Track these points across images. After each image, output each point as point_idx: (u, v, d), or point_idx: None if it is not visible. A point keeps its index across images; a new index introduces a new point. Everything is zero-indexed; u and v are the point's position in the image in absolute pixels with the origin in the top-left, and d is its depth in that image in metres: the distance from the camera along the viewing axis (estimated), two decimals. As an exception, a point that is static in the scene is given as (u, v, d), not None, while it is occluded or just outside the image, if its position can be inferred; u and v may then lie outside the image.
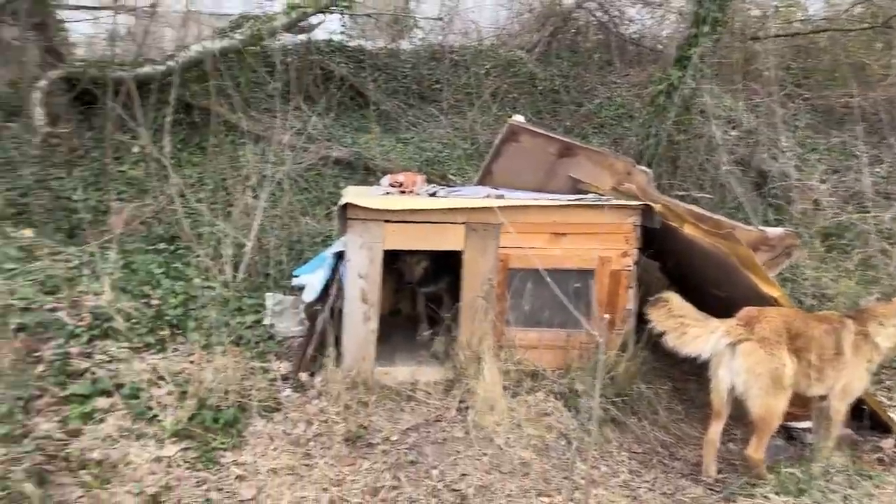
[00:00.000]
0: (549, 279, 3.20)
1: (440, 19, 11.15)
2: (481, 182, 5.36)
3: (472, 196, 4.46)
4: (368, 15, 10.62)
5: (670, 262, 4.99)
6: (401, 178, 4.61)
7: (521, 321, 4.25)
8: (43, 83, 7.51)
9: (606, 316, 3.51)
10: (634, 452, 3.88)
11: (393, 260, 4.33)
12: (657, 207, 4.16)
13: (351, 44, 10.57)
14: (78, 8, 9.92)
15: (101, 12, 9.64)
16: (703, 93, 7.29)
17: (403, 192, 4.48)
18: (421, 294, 4.77)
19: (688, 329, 3.54)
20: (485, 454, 3.59)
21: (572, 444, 3.72)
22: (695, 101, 7.14)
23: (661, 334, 3.62)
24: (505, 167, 5.17)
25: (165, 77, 7.45)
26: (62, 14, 9.19)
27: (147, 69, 7.72)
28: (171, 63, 7.69)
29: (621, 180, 4.59)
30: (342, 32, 10.63)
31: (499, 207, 4.04)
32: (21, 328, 3.74)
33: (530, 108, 9.61)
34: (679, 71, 6.78)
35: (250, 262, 4.93)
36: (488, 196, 4.45)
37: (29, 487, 2.76)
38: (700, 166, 7.36)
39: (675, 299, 3.64)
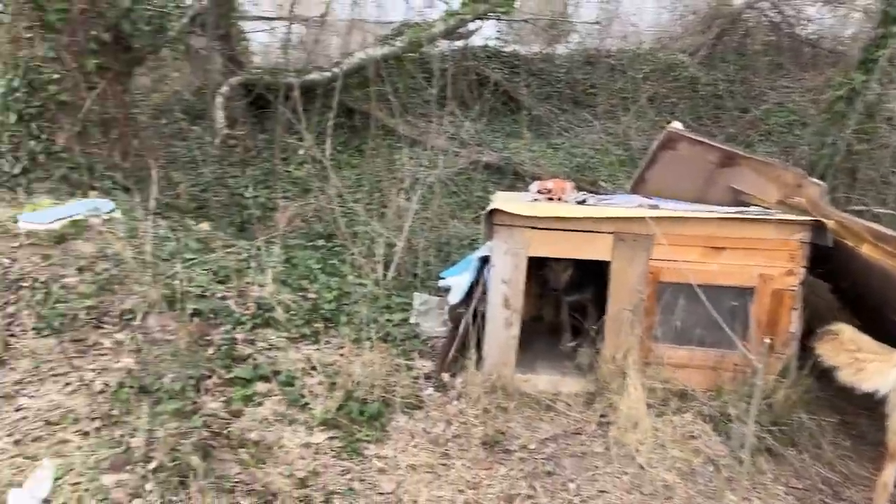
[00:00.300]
0: (702, 295, 3.04)
1: (598, 23, 10.95)
2: (634, 190, 5.19)
3: (623, 205, 4.34)
4: (525, 20, 10.64)
5: (844, 284, 4.57)
6: (550, 184, 4.57)
7: (670, 337, 4.07)
8: (224, 89, 8.22)
9: (767, 339, 3.27)
10: (792, 487, 3.58)
11: (538, 266, 4.31)
12: (830, 224, 3.82)
13: (506, 49, 10.65)
14: (257, 19, 10.77)
15: (277, 22, 10.41)
16: (890, 99, 6.61)
17: (551, 199, 4.44)
18: (565, 302, 4.71)
19: (865, 364, 3.21)
20: (625, 473, 3.47)
21: (721, 471, 3.51)
22: (880, 107, 6.50)
23: (833, 368, 3.32)
24: (660, 175, 4.97)
25: (330, 83, 7.90)
26: (243, 25, 10.03)
27: (314, 75, 8.22)
28: (336, 70, 8.13)
29: (790, 193, 4.26)
30: (498, 38, 10.74)
31: (651, 218, 3.89)
32: (196, 313, 4.11)
33: (690, 113, 9.19)
34: (863, 75, 6.20)
35: (400, 261, 5.10)
36: (640, 205, 4.30)
37: (195, 460, 3.02)
38: (883, 179, 6.69)
39: (846, 331, 3.32)
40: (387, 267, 4.99)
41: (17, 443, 3.35)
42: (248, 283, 4.53)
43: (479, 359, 4.04)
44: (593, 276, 4.32)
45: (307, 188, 7.33)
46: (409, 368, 4.11)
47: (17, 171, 5.33)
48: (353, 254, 5.23)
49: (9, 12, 5.34)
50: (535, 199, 4.46)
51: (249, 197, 7.62)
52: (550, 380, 4.15)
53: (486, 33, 10.25)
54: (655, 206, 4.26)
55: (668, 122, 5.14)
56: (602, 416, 3.88)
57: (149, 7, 5.27)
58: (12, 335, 4.13)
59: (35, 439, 3.37)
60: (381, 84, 7.97)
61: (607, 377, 3.95)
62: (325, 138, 6.93)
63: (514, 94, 9.59)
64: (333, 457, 3.34)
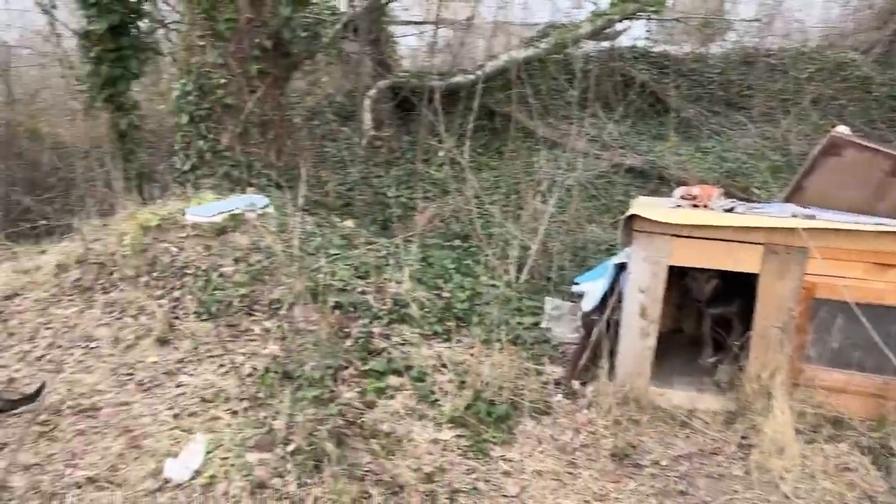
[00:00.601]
0: (861, 315, 2.77)
1: (758, 20, 10.31)
2: (790, 199, 4.82)
3: (776, 214, 4.04)
4: (677, 19, 10.22)
5: None
6: (695, 190, 4.35)
7: (825, 359, 3.75)
8: (373, 92, 8.57)
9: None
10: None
11: (679, 275, 4.12)
12: None
13: (655, 49, 10.29)
14: (407, 23, 11.13)
15: (424, 27, 10.70)
16: None
17: (696, 206, 4.23)
18: (708, 315, 4.46)
19: None
20: (767, 501, 3.24)
21: (879, 510, 3.19)
22: None
23: None
24: (820, 184, 4.59)
25: (473, 85, 8.00)
26: (393, 30, 10.39)
27: (458, 78, 8.36)
28: (479, 72, 8.22)
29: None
30: (647, 38, 10.40)
31: (806, 229, 3.60)
32: (337, 306, 4.31)
33: (861, 116, 8.42)
34: None
35: (533, 264, 5.08)
36: (795, 215, 3.99)
37: (330, 446, 3.17)
38: None
39: None
40: (520, 269, 4.98)
41: (175, 416, 3.68)
42: (386, 279, 4.69)
43: (612, 368, 3.92)
44: (740, 288, 4.06)
45: (446, 189, 7.47)
46: (539, 373, 4.07)
47: (186, 167, 5.85)
48: (487, 255, 5.26)
49: (185, 22, 5.87)
50: (678, 206, 4.27)
51: (392, 196, 7.89)
52: (687, 395, 3.95)
53: (634, 33, 9.97)
54: (812, 217, 3.94)
55: (833, 126, 4.73)
56: (743, 437, 3.65)
57: (307, 15, 5.59)
58: (176, 318, 4.54)
59: (191, 414, 3.68)
60: (522, 86, 7.96)
61: (750, 397, 3.70)
62: (465, 140, 7.03)
63: (662, 95, 9.24)
64: (460, 455, 3.37)
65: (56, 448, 3.46)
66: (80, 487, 3.15)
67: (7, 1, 8.26)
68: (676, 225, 3.77)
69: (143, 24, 7.07)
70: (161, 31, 8.11)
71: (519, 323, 4.48)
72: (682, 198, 4.35)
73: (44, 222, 6.42)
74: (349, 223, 5.92)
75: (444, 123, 7.05)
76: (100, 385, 4.00)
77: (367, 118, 8.33)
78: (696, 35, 10.64)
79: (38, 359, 4.34)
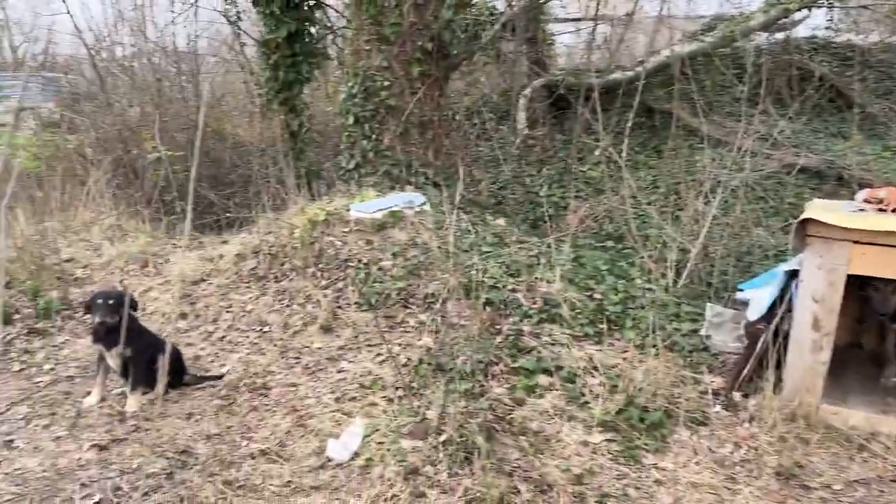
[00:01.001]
0: None
1: (961, 3, 9.16)
2: None
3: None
4: (865, 6, 9.32)
5: None
6: (882, 193, 3.95)
7: None
8: (528, 91, 8.57)
9: None
10: None
11: (859, 285, 3.77)
12: None
13: (837, 40, 9.44)
14: (564, 21, 11.02)
15: (581, 24, 10.54)
16: None
17: (883, 210, 3.84)
18: (892, 330, 4.05)
19: None
20: (959, 540, 2.90)
21: None
22: None
23: None
24: None
25: (632, 82, 7.78)
26: (550, 28, 10.33)
27: (616, 75, 8.16)
28: (638, 69, 7.98)
29: None
30: (828, 27, 9.57)
31: None
32: (488, 303, 4.38)
33: None
34: None
35: (693, 268, 4.86)
36: None
37: (480, 439, 3.23)
38: None
39: None
40: (678, 273, 4.78)
41: (337, 400, 3.92)
42: (537, 278, 4.69)
43: (778, 382, 3.67)
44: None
45: (600, 188, 7.32)
46: (696, 382, 3.90)
47: (351, 166, 6.19)
48: (642, 257, 5.11)
49: (352, 28, 6.20)
50: (861, 210, 3.90)
51: (543, 195, 7.86)
52: (866, 416, 3.61)
53: (813, 23, 9.21)
54: None
55: None
56: (933, 468, 3.28)
57: (467, 16, 5.71)
58: (339, 307, 4.83)
59: (351, 399, 3.90)
60: (685, 82, 7.62)
61: (943, 424, 3.32)
62: (622, 138, 6.85)
63: (844, 89, 8.47)
64: (610, 459, 3.31)
65: (233, 421, 3.80)
66: (253, 458, 3.44)
67: (195, 13, 9.15)
68: (858, 230, 3.45)
69: (315, 30, 7.57)
70: (329, 37, 8.61)
71: (676, 329, 4.31)
72: (866, 201, 3.97)
73: (227, 215, 7.07)
74: (501, 221, 5.98)
75: (602, 121, 6.92)
76: (271, 366, 4.34)
77: (522, 117, 8.35)
78: (885, 23, 9.64)
79: (220, 339, 4.79)
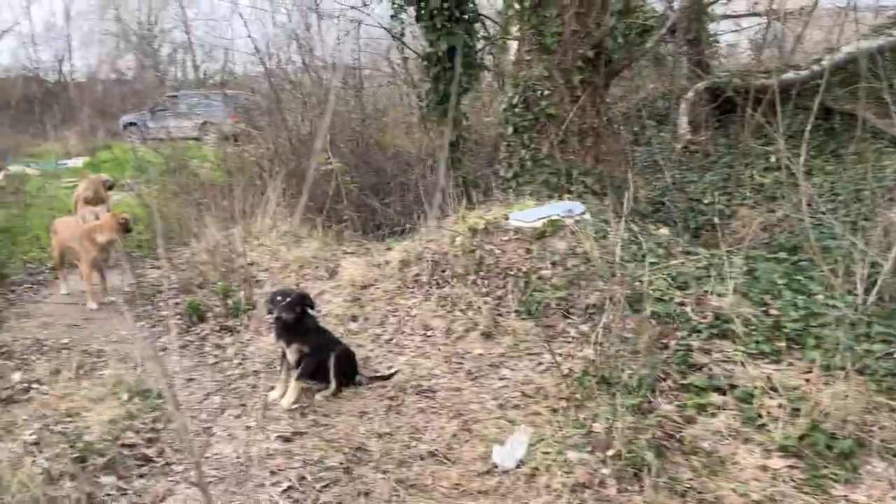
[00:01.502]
0: None
1: None
2: None
3: None
4: None
5: None
6: None
7: None
8: (690, 94, 8.24)
9: None
10: None
11: None
12: None
13: None
14: (727, 17, 10.48)
15: (747, 22, 9.97)
16: None
17: None
18: None
19: None
20: None
21: None
22: None
23: None
24: None
25: (807, 82, 7.27)
26: (713, 28, 9.87)
27: (789, 75, 7.66)
28: (815, 67, 7.43)
29: None
30: None
31: None
32: (654, 316, 4.26)
33: None
34: None
35: (885, 285, 4.44)
36: None
37: (650, 456, 3.16)
38: None
39: None
40: (868, 290, 4.39)
41: (500, 406, 3.98)
42: (706, 291, 4.50)
43: None
44: None
45: (771, 196, 6.89)
46: (893, 410, 3.57)
47: (509, 175, 6.26)
48: (822, 271, 4.74)
49: (508, 37, 6.27)
50: None
51: (707, 203, 7.52)
52: None
53: None
54: None
55: None
56: None
57: (630, 22, 5.60)
58: (500, 315, 4.91)
59: (514, 407, 3.95)
60: (873, 80, 6.99)
61: None
62: (798, 142, 6.40)
63: None
64: (794, 487, 3.11)
65: (402, 421, 3.98)
66: (423, 459, 3.58)
67: (358, 31, 9.63)
68: None
69: (474, 43, 7.73)
70: (486, 48, 8.75)
71: (867, 350, 3.96)
72: None
73: (390, 224, 7.41)
74: (664, 231, 5.79)
75: (776, 125, 6.51)
76: (435, 370, 4.49)
77: (684, 121, 8.05)
78: None
79: (387, 342, 5.03)
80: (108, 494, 3.27)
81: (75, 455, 3.45)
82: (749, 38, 11.54)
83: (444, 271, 5.49)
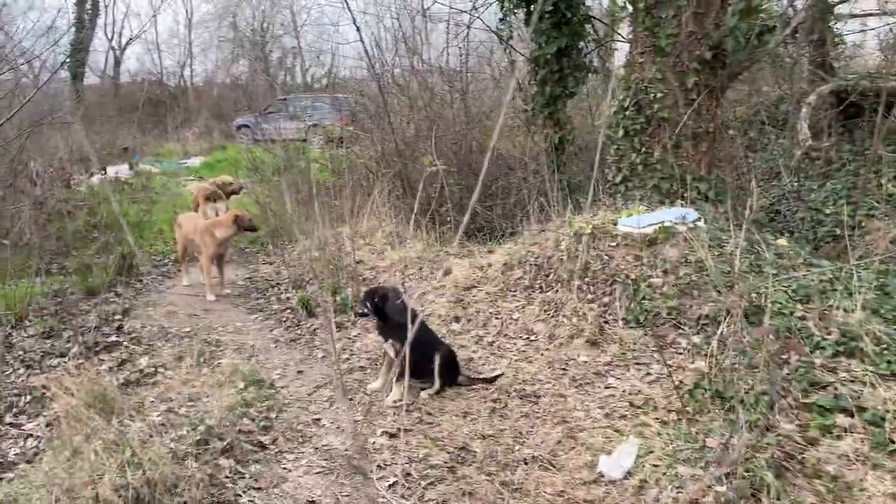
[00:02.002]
0: None
1: None
2: None
3: None
4: None
5: None
6: None
7: None
8: (812, 98, 7.80)
9: None
10: None
11: None
12: None
13: None
14: (854, 17, 9.85)
15: (877, 21, 9.33)
16: None
17: None
18: None
19: None
20: None
21: None
22: None
23: None
24: None
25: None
26: (839, 27, 9.30)
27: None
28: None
29: None
30: None
31: None
32: (773, 330, 4.05)
33: None
34: None
35: None
36: None
37: (769, 477, 3.01)
38: None
39: None
40: None
41: (606, 416, 3.91)
42: (830, 306, 4.24)
43: None
44: None
45: (904, 206, 6.41)
46: None
47: (618, 179, 6.13)
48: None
49: (617, 39, 6.13)
50: None
51: (828, 213, 7.09)
52: None
53: None
54: None
55: None
56: None
57: (754, 22, 5.36)
58: (605, 322, 4.81)
59: (621, 417, 3.86)
60: None
61: None
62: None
63: None
64: (930, 520, 2.89)
65: (506, 424, 3.97)
66: (526, 464, 3.56)
67: (466, 35, 9.69)
68: None
69: (583, 45, 7.64)
70: (594, 51, 8.61)
71: None
72: None
73: (491, 226, 7.42)
74: (783, 241, 5.50)
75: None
76: (539, 375, 4.46)
77: (804, 126, 7.61)
78: None
79: (490, 344, 5.03)
80: (227, 477, 3.43)
81: (198, 438, 3.64)
82: (878, 37, 10.81)
83: (547, 275, 5.44)
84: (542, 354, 4.72)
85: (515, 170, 8.83)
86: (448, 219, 7.42)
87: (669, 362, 4.24)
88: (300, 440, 3.92)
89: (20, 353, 4.92)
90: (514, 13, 7.54)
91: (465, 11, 8.38)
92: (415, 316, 4.44)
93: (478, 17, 8.29)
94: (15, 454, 3.67)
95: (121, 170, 10.58)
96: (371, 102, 10.21)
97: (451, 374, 4.49)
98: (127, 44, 32.67)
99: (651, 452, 3.43)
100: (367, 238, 7.24)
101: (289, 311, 6.10)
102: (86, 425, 3.66)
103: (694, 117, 5.70)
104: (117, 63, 32.28)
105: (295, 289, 6.51)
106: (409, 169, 8.55)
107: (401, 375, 4.32)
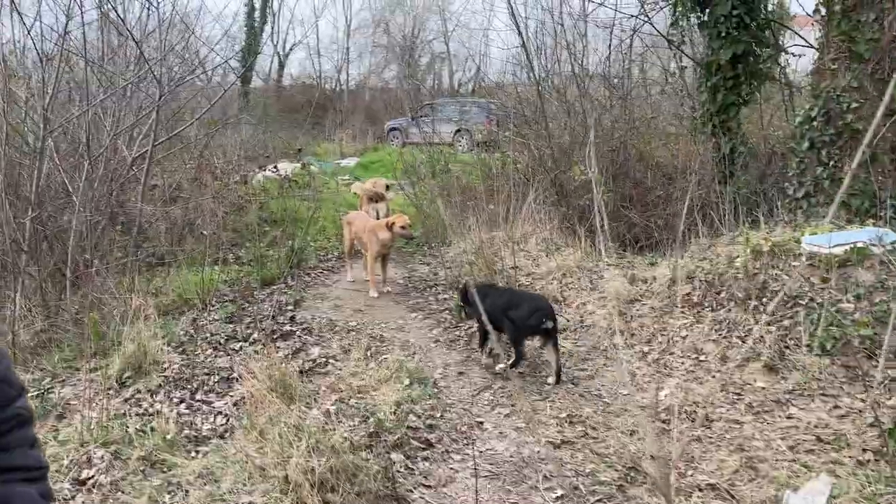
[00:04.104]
0: None
1: None
2: None
3: None
4: None
5: None
6: None
7: None
8: None
9: None
10: None
11: None
12: None
13: None
14: None
15: None
16: None
17: None
18: None
19: None
20: None
21: None
22: None
23: None
24: None
25: None
26: None
27: None
28: None
29: None
30: None
31: None
32: None
33: None
34: None
35: None
36: None
37: None
38: None
39: None
40: None
41: (791, 448, 3.64)
42: None
43: None
44: None
45: None
46: None
47: (799, 194, 5.71)
48: None
49: (809, 46, 5.70)
50: None
51: None
52: None
53: None
54: None
55: None
56: None
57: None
58: (786, 347, 4.49)
59: (807, 451, 3.58)
60: None
61: None
62: None
63: None
64: None
65: (675, 447, 3.80)
66: (701, 491, 3.38)
67: (631, 40, 9.42)
68: None
69: (762, 51, 7.20)
70: (773, 58, 8.09)
71: None
72: None
73: (649, 237, 7.16)
74: None
75: None
76: (711, 398, 4.24)
77: None
78: None
79: (655, 361, 4.85)
80: (398, 471, 3.53)
81: (370, 430, 3.77)
82: None
83: (718, 293, 5.17)
84: (713, 376, 4.49)
85: (675, 179, 8.48)
86: (604, 228, 7.25)
87: (862, 396, 3.89)
88: (465, 442, 3.96)
89: (207, 335, 5.34)
90: (688, 17, 7.24)
91: (634, 16, 8.15)
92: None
93: (647, 22, 8.03)
94: (207, 429, 3.97)
95: (287, 168, 11.25)
96: (527, 107, 10.19)
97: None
98: (290, 49, 34.81)
99: (846, 493, 3.15)
100: (522, 244, 7.22)
101: (447, 311, 6.20)
102: (268, 408, 3.91)
103: (893, 129, 5.20)
104: (281, 67, 34.48)
105: (452, 290, 6.61)
106: (564, 176, 8.45)
107: (480, 345, 5.18)
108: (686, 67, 8.29)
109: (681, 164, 8.83)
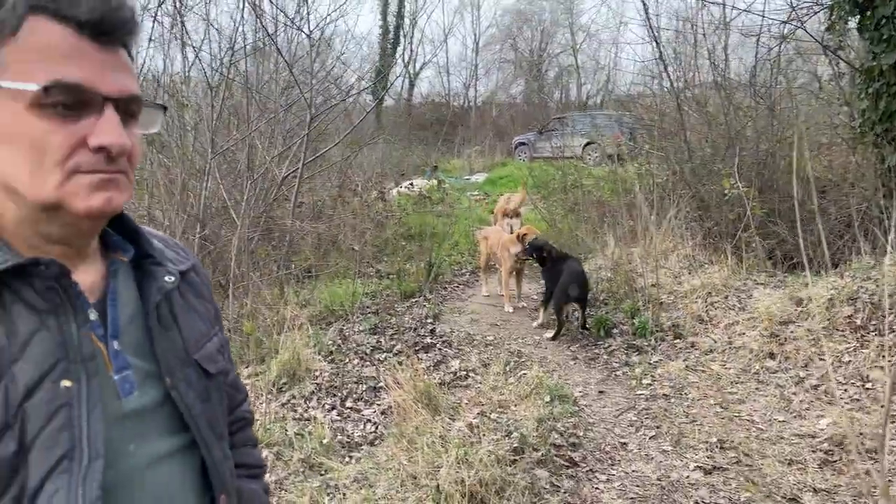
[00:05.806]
0: None
1: None
2: None
3: None
4: None
5: None
6: None
7: None
8: None
9: None
10: None
11: None
12: None
13: None
14: None
15: None
16: None
17: None
18: None
19: None
20: None
21: None
22: None
23: None
24: None
25: None
26: None
27: None
28: None
29: None
30: None
31: None
32: None
33: None
34: None
35: None
36: None
37: None
38: None
39: None
40: None
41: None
42: None
43: None
44: None
45: None
46: None
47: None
48: None
49: None
50: None
51: None
52: None
53: None
54: None
55: None
56: None
57: None
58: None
59: None
60: None
61: None
62: None
63: None
64: None
65: (841, 480, 3.56)
66: (874, 529, 3.14)
67: (780, 48, 8.94)
68: None
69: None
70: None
71: None
72: None
73: (800, 255, 6.71)
74: None
75: None
76: (880, 429, 3.92)
77: None
78: None
79: (813, 388, 4.56)
80: (544, 488, 3.53)
81: (514, 445, 3.80)
82: None
83: (885, 317, 4.78)
84: (882, 406, 4.15)
85: (829, 192, 7.94)
86: (752, 244, 6.89)
87: None
88: (609, 462, 3.90)
89: (353, 345, 5.59)
90: (846, 20, 6.77)
91: (785, 21, 7.71)
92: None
93: (799, 27, 7.58)
94: (358, 436, 4.16)
95: (421, 184, 11.58)
96: (664, 119, 9.92)
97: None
98: (421, 68, 35.82)
99: None
100: (662, 260, 7.01)
101: (585, 328, 6.13)
102: (414, 418, 4.05)
103: None
104: (411, 86, 35.55)
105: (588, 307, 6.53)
106: (706, 189, 8.13)
107: (544, 304, 6.31)
108: (844, 74, 7.74)
109: (836, 177, 8.27)
